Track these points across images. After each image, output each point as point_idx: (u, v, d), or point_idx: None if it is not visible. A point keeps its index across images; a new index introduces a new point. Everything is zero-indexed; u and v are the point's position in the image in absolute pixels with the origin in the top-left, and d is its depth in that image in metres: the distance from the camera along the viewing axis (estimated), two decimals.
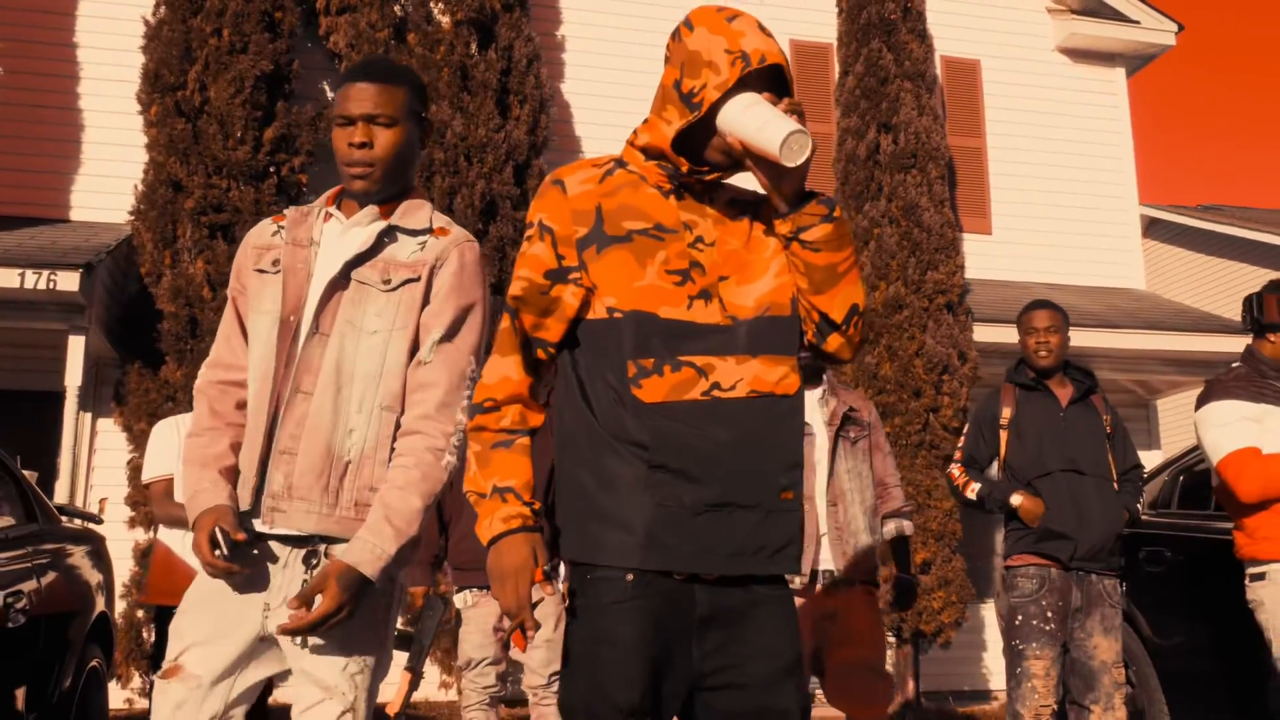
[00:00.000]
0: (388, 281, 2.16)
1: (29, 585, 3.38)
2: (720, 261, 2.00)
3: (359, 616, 2.09)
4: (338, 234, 2.20)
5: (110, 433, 8.10)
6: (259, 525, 2.12)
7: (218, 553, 2.05)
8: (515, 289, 1.99)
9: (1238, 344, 9.44)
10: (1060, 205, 10.63)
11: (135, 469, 7.69)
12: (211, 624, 2.11)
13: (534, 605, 1.94)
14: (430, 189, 8.27)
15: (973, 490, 4.22)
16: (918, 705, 8.04)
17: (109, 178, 8.50)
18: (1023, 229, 10.42)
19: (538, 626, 1.94)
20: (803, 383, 2.12)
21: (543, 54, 9.03)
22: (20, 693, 3.28)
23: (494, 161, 8.36)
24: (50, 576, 3.62)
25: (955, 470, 4.30)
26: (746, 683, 1.94)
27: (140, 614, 7.37)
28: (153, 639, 4.30)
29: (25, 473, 4.09)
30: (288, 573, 2.12)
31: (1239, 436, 3.57)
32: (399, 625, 3.77)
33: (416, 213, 2.22)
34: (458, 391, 2.17)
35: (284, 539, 2.13)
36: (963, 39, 10.37)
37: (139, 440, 7.65)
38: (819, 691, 5.44)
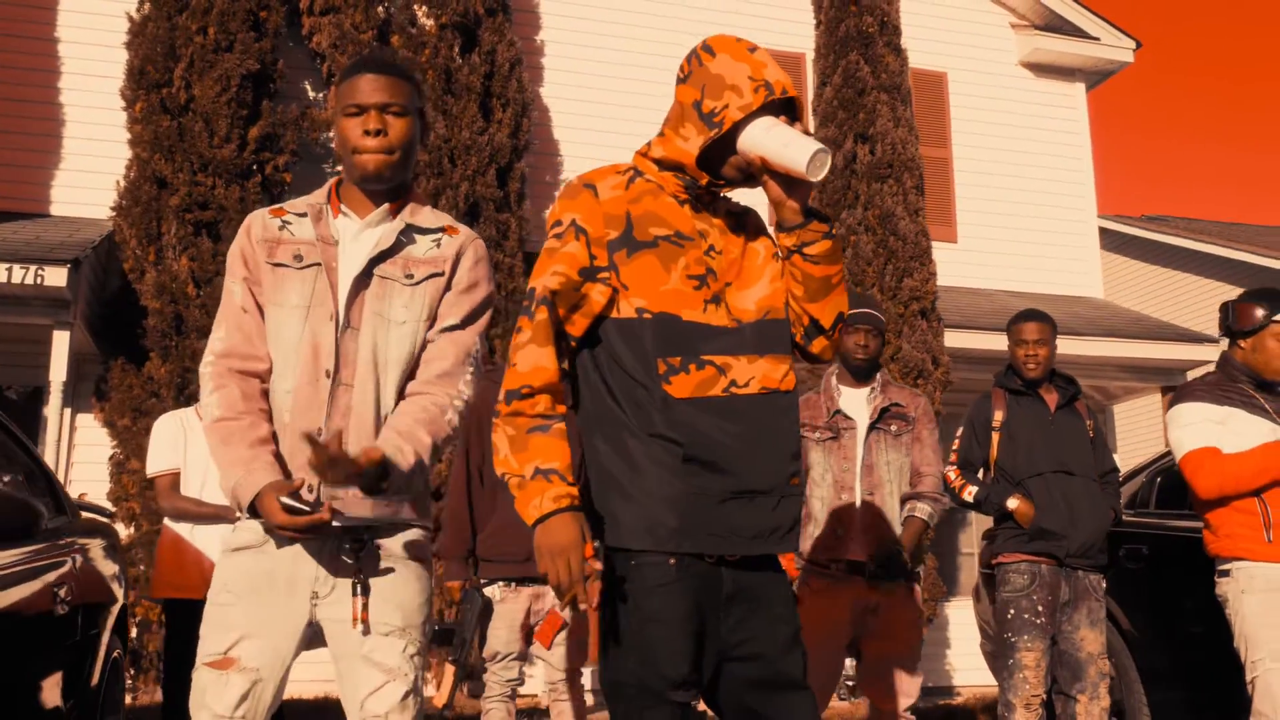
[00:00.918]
0: (410, 276, 2.25)
1: (69, 576, 3.47)
2: (726, 268, 2.22)
3: (410, 603, 2.20)
4: (355, 233, 2.27)
5: (90, 428, 8.10)
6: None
7: (295, 508, 2.07)
8: (552, 283, 2.13)
9: (1191, 352, 9.81)
10: (1023, 215, 10.95)
11: (117, 464, 7.70)
12: (263, 615, 2.15)
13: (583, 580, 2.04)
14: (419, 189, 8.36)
15: (969, 493, 4.41)
16: None
17: (91, 173, 8.49)
18: (987, 238, 10.72)
19: (588, 602, 2.05)
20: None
21: (523, 58, 9.16)
22: (62, 681, 3.37)
23: (477, 164, 8.47)
24: (83, 568, 3.71)
25: (951, 473, 4.49)
26: (764, 653, 2.16)
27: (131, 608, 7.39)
28: (163, 633, 4.36)
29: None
30: (334, 561, 2.17)
31: (1200, 436, 3.75)
32: (439, 620, 3.90)
33: (423, 211, 2.33)
34: (462, 366, 2.28)
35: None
36: (930, 51, 10.64)
37: (122, 436, 7.67)
38: (849, 681, 5.60)
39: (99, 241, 7.81)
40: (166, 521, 4.24)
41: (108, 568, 4.00)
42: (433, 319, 2.28)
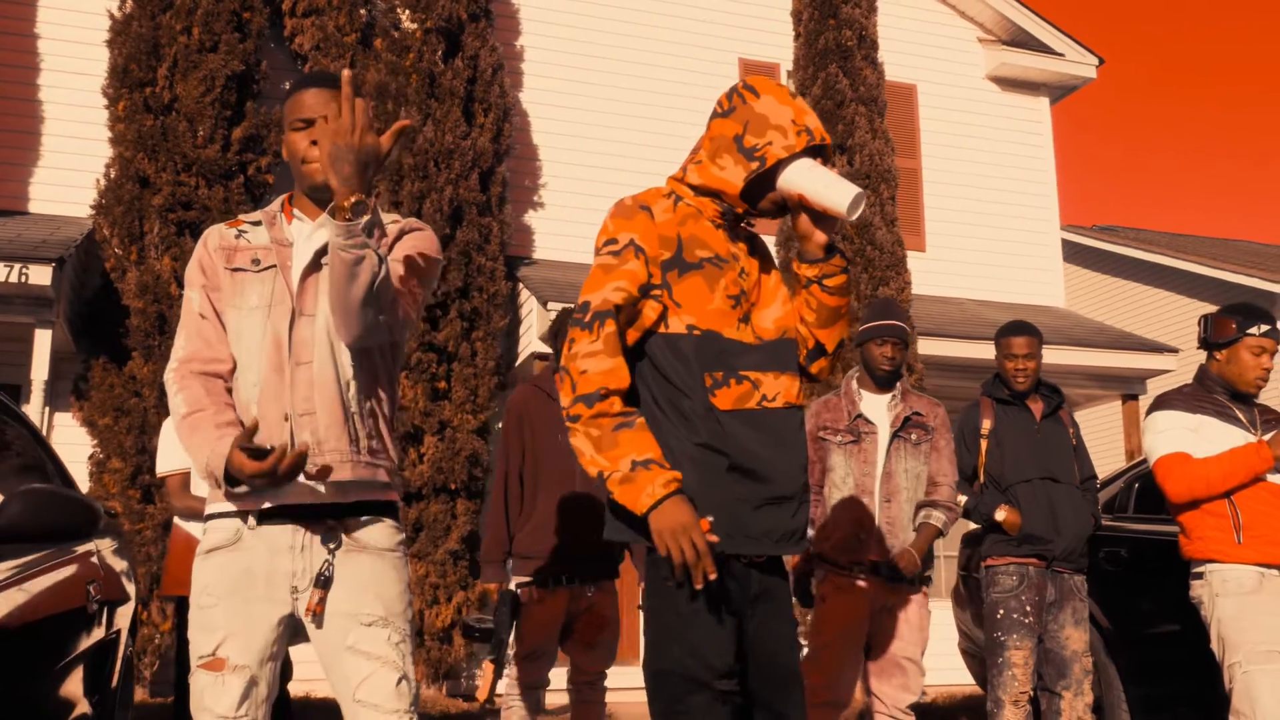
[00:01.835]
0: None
1: (95, 573, 3.52)
2: (752, 289, 2.43)
3: (389, 592, 2.24)
4: (306, 234, 2.35)
5: (69, 427, 8.07)
6: (278, 494, 2.21)
7: (259, 449, 2.10)
8: (616, 297, 2.28)
9: (1150, 361, 10.10)
10: (989, 226, 11.20)
11: (98, 464, 7.68)
12: (244, 612, 2.19)
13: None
14: (399, 193, 8.42)
15: (959, 502, 4.59)
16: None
17: (70, 170, 8.46)
18: (954, 247, 10.96)
19: (714, 572, 2.19)
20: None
21: (504, 64, 9.25)
22: (92, 678, 3.42)
23: (461, 168, 8.55)
24: (106, 564, 3.76)
25: None
26: (780, 649, 2.38)
27: None
28: (170, 629, 4.41)
29: None
30: (309, 554, 2.22)
31: (1172, 442, 3.89)
32: (479, 620, 3.99)
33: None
34: (407, 273, 2.31)
35: (299, 515, 2.22)
36: (901, 64, 10.85)
37: (103, 436, 7.66)
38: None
39: (82, 240, 7.79)
40: (177, 521, 4.30)
41: (120, 565, 4.05)
42: None
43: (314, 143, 2.28)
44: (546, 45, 10.03)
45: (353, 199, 2.06)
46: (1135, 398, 10.18)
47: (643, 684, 2.36)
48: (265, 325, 2.27)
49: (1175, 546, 4.70)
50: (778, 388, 2.37)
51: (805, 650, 4.17)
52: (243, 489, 2.21)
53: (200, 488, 4.26)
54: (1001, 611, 4.43)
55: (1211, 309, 16.80)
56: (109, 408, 7.63)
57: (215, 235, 2.37)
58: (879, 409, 4.30)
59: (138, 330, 7.68)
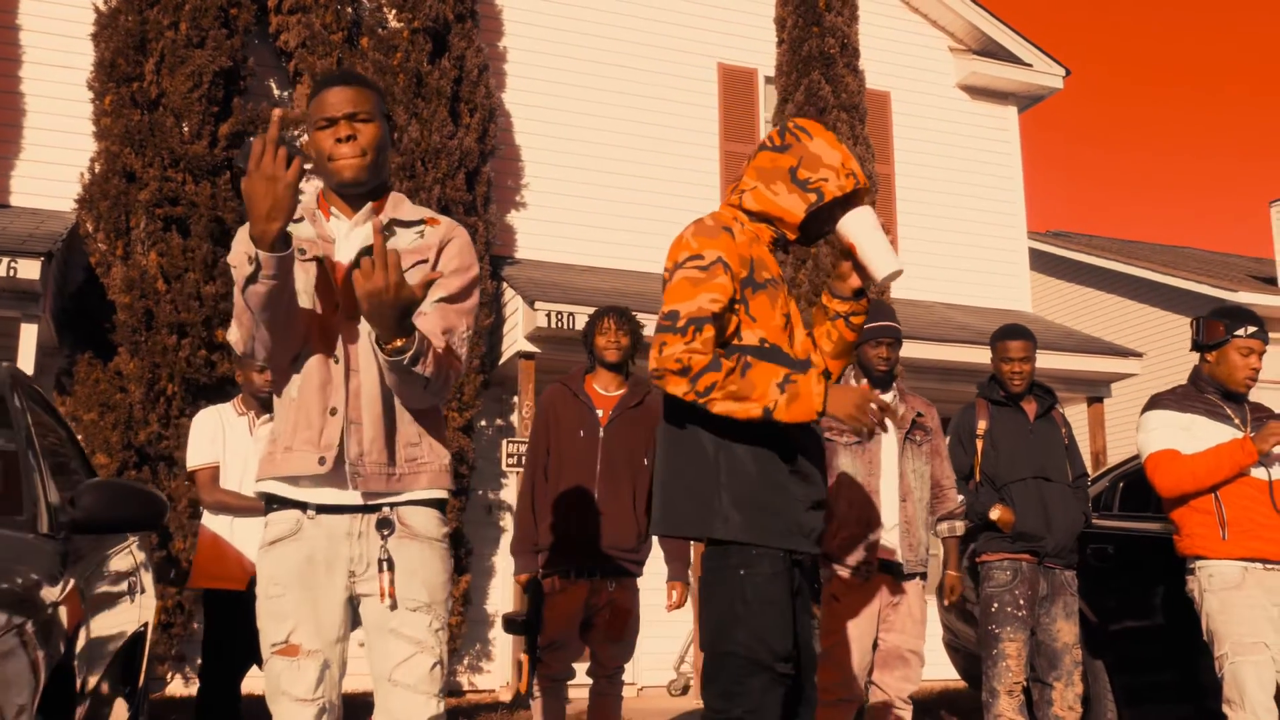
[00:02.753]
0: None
1: (135, 564, 3.58)
2: (790, 313, 2.69)
3: (434, 580, 2.35)
4: (345, 232, 2.42)
5: None
6: (332, 494, 2.32)
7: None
8: (713, 307, 2.48)
9: (1115, 365, 10.38)
10: (958, 231, 11.45)
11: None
12: (310, 599, 2.30)
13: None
14: None
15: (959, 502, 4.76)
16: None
17: (53, 164, 8.41)
18: (925, 252, 11.18)
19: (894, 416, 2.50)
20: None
21: (489, 64, 9.32)
22: (120, 671, 3.48)
23: (447, 167, 8.62)
24: (137, 556, 3.82)
25: None
26: (808, 638, 2.64)
27: None
28: (198, 623, 4.47)
29: None
30: (365, 540, 2.33)
31: (1162, 440, 4.10)
32: (517, 613, 4.08)
33: (403, 205, 2.49)
34: (456, 330, 2.41)
35: (356, 509, 2.33)
36: (876, 71, 11.05)
37: (88, 431, 7.63)
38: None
39: (68, 234, 7.76)
40: (206, 515, 4.36)
41: (143, 557, 4.10)
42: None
43: (339, 140, 2.35)
44: (530, 46, 10.11)
45: (398, 344, 2.20)
46: (1100, 400, 10.45)
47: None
48: (310, 313, 2.34)
49: (1160, 543, 4.89)
50: None
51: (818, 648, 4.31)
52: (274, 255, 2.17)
53: (229, 481, 4.33)
54: (996, 605, 4.60)
55: (1165, 315, 17.15)
56: (94, 403, 7.61)
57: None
58: None
59: (124, 326, 7.66)
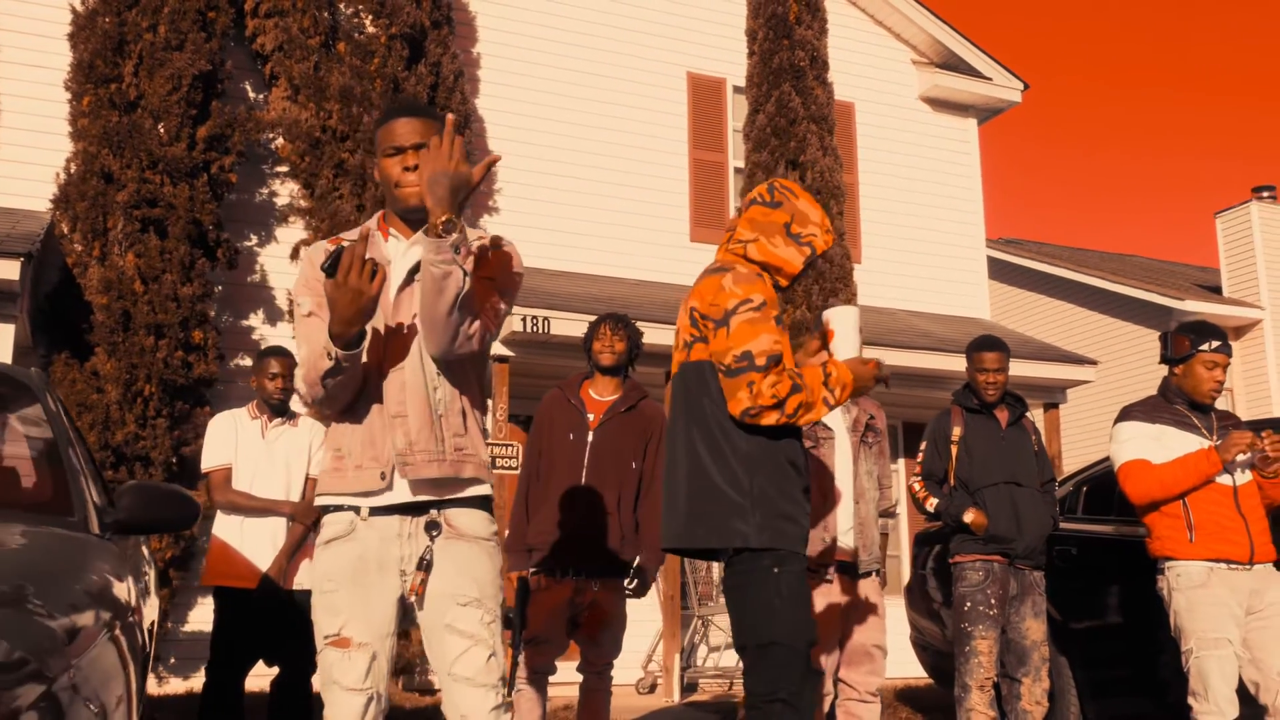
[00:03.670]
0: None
1: (144, 561, 3.69)
2: None
3: (484, 576, 2.48)
4: (401, 252, 2.57)
5: None
6: (385, 496, 2.45)
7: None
8: (777, 348, 2.87)
9: (1071, 372, 10.69)
10: (919, 240, 11.72)
11: None
12: (362, 595, 2.44)
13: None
14: (362, 195, 8.56)
15: (931, 504, 4.97)
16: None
17: (26, 164, 8.41)
18: (887, 259, 11.45)
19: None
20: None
21: (464, 70, 9.44)
22: (142, 672, 3.58)
23: None
24: (143, 554, 3.92)
25: (916, 485, 5.04)
26: None
27: None
28: (211, 619, 4.59)
29: None
30: (414, 541, 2.46)
31: (1133, 450, 4.33)
32: (509, 609, 4.21)
33: (462, 226, 2.63)
34: (491, 298, 2.54)
35: (405, 509, 2.46)
36: (841, 83, 11.30)
37: None
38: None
39: (44, 234, 7.77)
40: (218, 516, 4.49)
41: (147, 557, 4.20)
42: None
43: (407, 169, 2.50)
44: (503, 53, 10.24)
45: (444, 217, 2.32)
46: (1056, 406, 10.76)
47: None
48: (369, 330, 2.47)
49: (1121, 545, 5.14)
50: None
51: None
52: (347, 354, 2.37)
53: (241, 483, 4.45)
54: (969, 604, 4.82)
55: (1113, 322, 17.53)
56: (71, 403, 7.62)
57: (319, 253, 2.56)
58: (835, 414, 4.64)
59: (102, 326, 7.69)
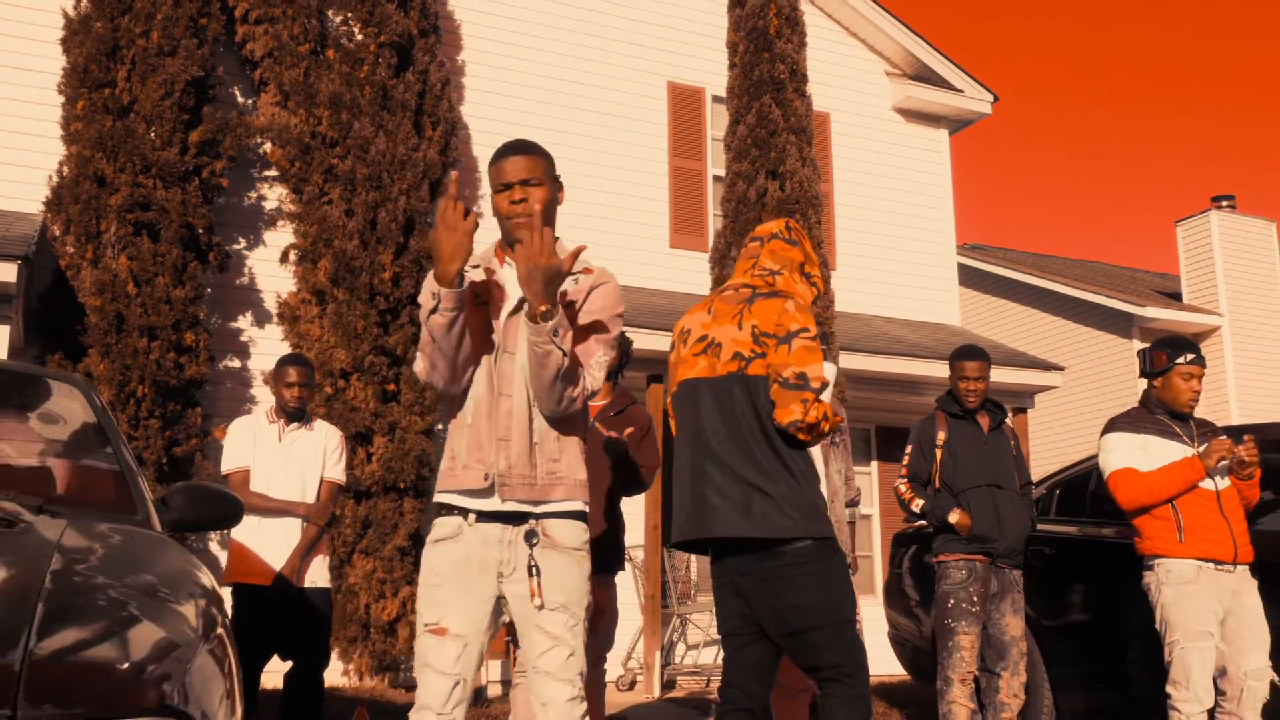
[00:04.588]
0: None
1: None
2: None
3: (571, 585, 2.73)
4: (514, 279, 2.80)
5: None
6: (490, 503, 2.70)
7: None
8: (829, 375, 3.21)
9: (1039, 378, 11.00)
10: (892, 248, 12.00)
11: None
12: (462, 591, 2.69)
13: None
14: (351, 200, 8.70)
15: (916, 505, 5.21)
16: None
17: (17, 166, 8.48)
18: (860, 267, 11.72)
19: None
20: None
21: (450, 78, 9.60)
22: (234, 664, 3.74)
23: (413, 179, 8.87)
24: None
25: (902, 486, 5.28)
26: None
27: None
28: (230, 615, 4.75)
29: None
30: (514, 548, 2.71)
31: (1121, 460, 4.62)
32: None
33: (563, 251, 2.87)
34: (590, 353, 2.78)
35: (506, 519, 2.71)
36: (816, 93, 11.55)
37: None
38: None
39: (39, 236, 7.85)
40: None
41: None
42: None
43: (514, 202, 2.74)
44: (487, 61, 10.41)
45: (543, 308, 2.59)
46: (1024, 411, 11.06)
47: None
48: (479, 349, 2.73)
49: (1094, 545, 5.39)
50: None
51: None
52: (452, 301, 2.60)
53: (258, 484, 4.62)
54: (952, 601, 5.06)
55: (1077, 327, 17.87)
56: None
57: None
58: None
59: (95, 328, 7.79)
